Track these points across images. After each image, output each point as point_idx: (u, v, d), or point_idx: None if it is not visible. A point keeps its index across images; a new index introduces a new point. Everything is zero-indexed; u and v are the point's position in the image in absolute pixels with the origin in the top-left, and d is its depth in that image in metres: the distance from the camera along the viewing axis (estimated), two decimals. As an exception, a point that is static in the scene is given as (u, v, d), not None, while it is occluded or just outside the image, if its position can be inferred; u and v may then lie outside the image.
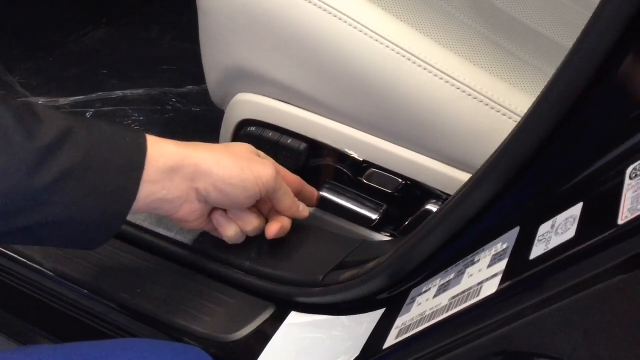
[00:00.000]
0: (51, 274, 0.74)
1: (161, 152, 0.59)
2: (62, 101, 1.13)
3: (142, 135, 0.59)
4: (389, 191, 0.75)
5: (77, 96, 1.14)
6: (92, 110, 1.12)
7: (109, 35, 1.30)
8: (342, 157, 0.77)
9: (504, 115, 0.67)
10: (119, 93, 1.16)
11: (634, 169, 0.45)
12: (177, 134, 1.11)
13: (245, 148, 0.68)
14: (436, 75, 0.68)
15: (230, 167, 0.62)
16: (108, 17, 1.32)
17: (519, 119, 0.67)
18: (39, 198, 0.53)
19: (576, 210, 0.47)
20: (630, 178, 0.45)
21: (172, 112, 1.15)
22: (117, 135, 0.57)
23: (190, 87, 1.18)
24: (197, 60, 0.87)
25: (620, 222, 0.42)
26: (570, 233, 0.45)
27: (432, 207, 0.74)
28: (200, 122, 1.13)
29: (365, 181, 0.76)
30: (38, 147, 0.52)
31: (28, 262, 0.75)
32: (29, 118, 0.53)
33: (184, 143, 0.62)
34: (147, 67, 1.22)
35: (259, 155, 0.69)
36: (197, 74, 1.13)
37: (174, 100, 1.16)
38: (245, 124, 0.82)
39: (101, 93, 1.15)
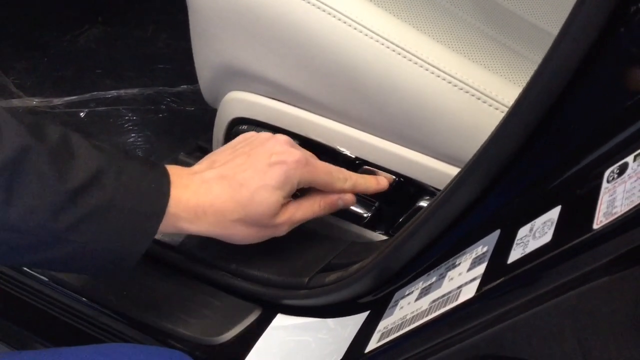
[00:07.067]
0: (41, 277, 0.74)
1: (182, 197, 0.60)
2: (56, 101, 1.13)
3: (166, 179, 0.60)
4: None
5: (72, 96, 1.14)
6: (86, 110, 1.12)
7: (104, 34, 1.29)
8: (334, 154, 0.76)
9: (497, 109, 0.66)
10: (113, 93, 1.15)
11: (612, 171, 0.45)
12: (170, 134, 1.11)
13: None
14: (427, 70, 0.67)
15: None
16: (103, 16, 1.32)
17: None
18: (60, 236, 0.55)
19: (554, 213, 0.47)
20: (608, 181, 0.44)
21: (167, 111, 1.14)
22: (143, 181, 0.58)
23: (185, 86, 1.17)
24: (192, 60, 0.86)
25: (595, 226, 0.41)
26: (547, 237, 0.45)
27: (426, 204, 0.73)
28: (194, 121, 1.12)
29: (358, 178, 0.76)
30: (67, 189, 0.54)
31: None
32: (64, 156, 0.55)
33: (202, 178, 0.63)
34: (141, 67, 1.21)
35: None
36: (191, 73, 1.12)
37: (168, 99, 1.16)
38: (237, 122, 0.81)
39: (95, 93, 1.14)
